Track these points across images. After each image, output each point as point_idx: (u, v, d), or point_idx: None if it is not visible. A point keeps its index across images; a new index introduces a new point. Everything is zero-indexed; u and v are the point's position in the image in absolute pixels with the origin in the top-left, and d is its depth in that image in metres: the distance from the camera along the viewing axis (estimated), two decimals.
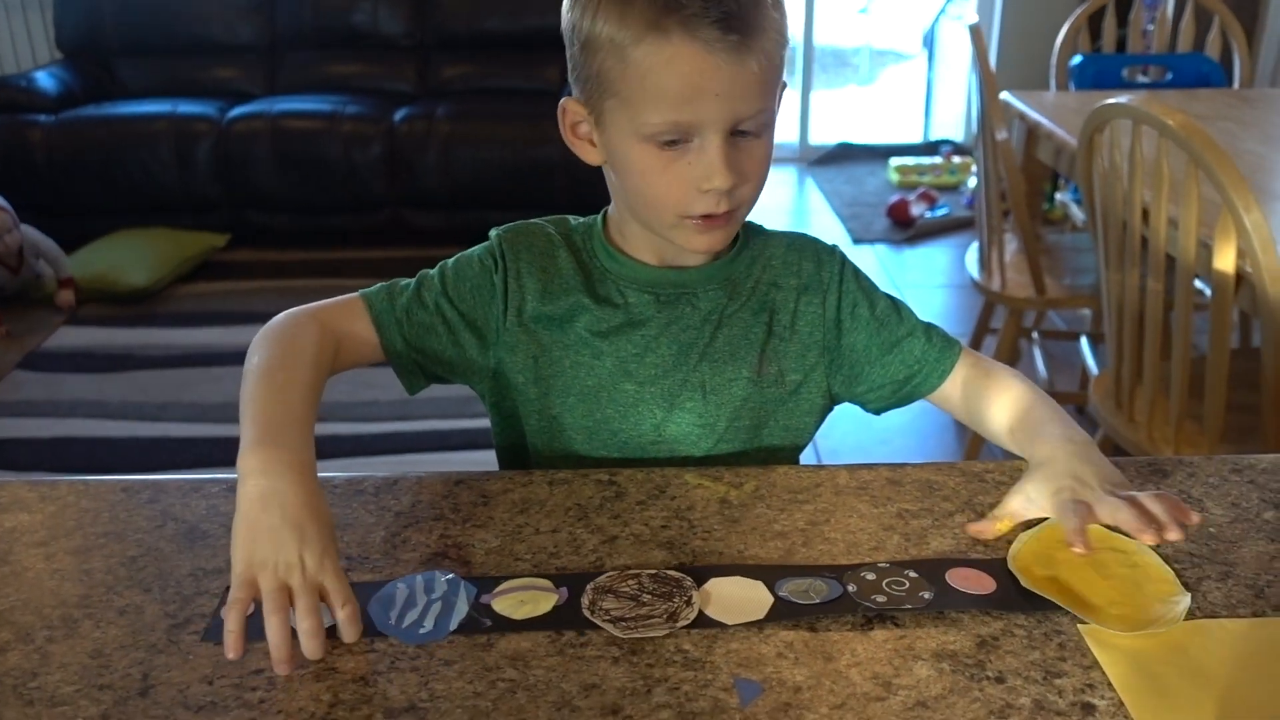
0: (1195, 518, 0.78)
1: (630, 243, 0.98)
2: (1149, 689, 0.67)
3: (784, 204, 4.71)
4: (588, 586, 0.77)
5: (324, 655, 0.70)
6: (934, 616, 0.74)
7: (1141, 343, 1.73)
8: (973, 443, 2.59)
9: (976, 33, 2.45)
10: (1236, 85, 2.91)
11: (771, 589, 0.76)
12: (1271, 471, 0.93)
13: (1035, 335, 3.08)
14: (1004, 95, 2.53)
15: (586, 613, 0.74)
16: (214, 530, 0.85)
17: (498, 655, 0.71)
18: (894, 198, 4.36)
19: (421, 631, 0.74)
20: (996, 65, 4.63)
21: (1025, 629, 0.73)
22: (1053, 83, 2.97)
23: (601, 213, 1.01)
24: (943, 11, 5.61)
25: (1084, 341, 2.87)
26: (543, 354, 0.97)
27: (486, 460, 1.09)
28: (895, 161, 4.80)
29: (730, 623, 0.73)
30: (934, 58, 5.69)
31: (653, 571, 0.79)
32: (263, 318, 0.96)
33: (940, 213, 4.28)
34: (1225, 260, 1.52)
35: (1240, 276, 1.53)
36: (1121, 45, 3.26)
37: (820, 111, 5.32)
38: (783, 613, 0.74)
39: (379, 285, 0.99)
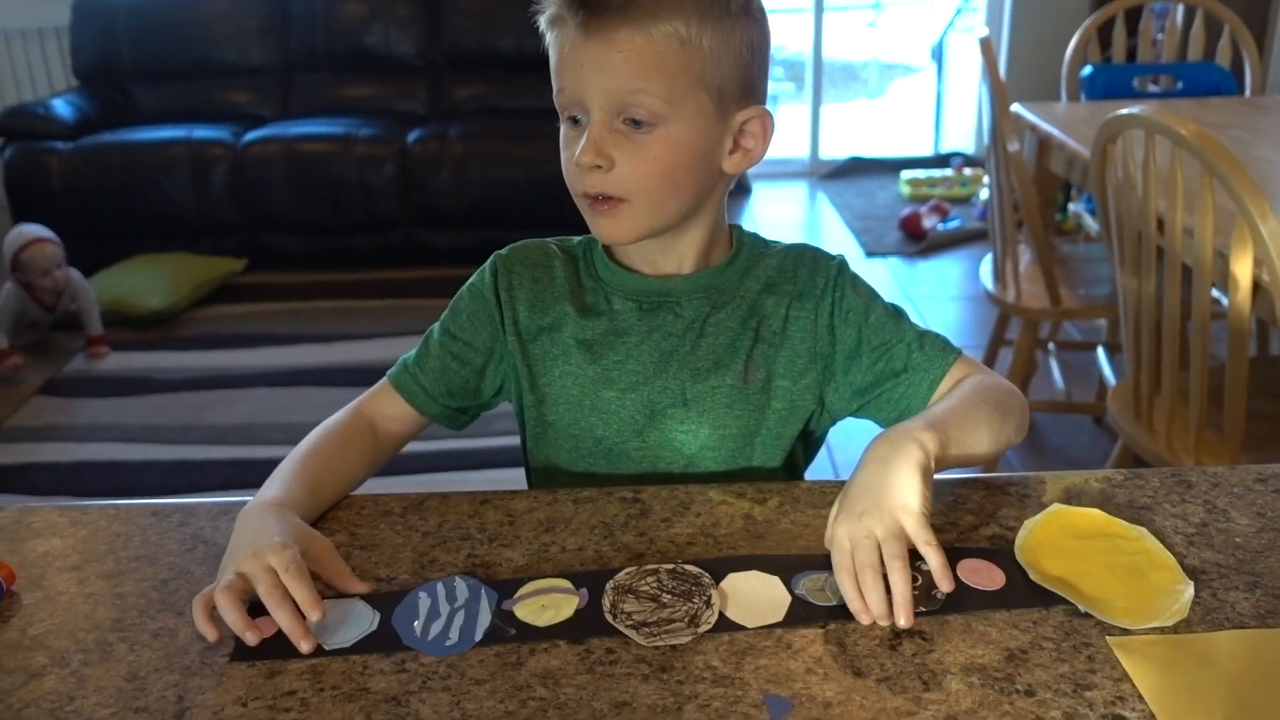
0: (903, 624, 0.74)
1: (626, 252, 1.01)
2: (1180, 700, 0.67)
3: (795, 218, 4.72)
4: (607, 587, 0.78)
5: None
6: (961, 630, 0.74)
7: (1159, 352, 1.73)
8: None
9: (986, 45, 2.46)
10: (1248, 93, 2.91)
11: (788, 586, 0.78)
12: None
13: (1051, 346, 3.07)
14: (1015, 107, 2.53)
15: (609, 617, 0.76)
16: None
17: (528, 674, 0.72)
18: (906, 211, 4.36)
19: (448, 644, 0.74)
20: (1006, 77, 4.63)
21: (1054, 641, 0.73)
22: (1063, 93, 2.98)
23: None
24: (950, 24, 5.63)
25: (1101, 352, 2.86)
26: (536, 363, 1.01)
27: (508, 479, 1.10)
28: (906, 174, 4.81)
29: (750, 625, 0.75)
30: (943, 70, 5.70)
31: (670, 567, 0.80)
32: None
33: (952, 225, 4.28)
34: (1242, 269, 1.52)
35: (1257, 285, 1.53)
36: (1132, 55, 3.26)
37: (830, 125, 5.34)
38: (800, 614, 0.76)
39: (397, 361, 1.06)
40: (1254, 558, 0.82)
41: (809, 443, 1.05)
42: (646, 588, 0.78)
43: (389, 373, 1.05)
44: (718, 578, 0.79)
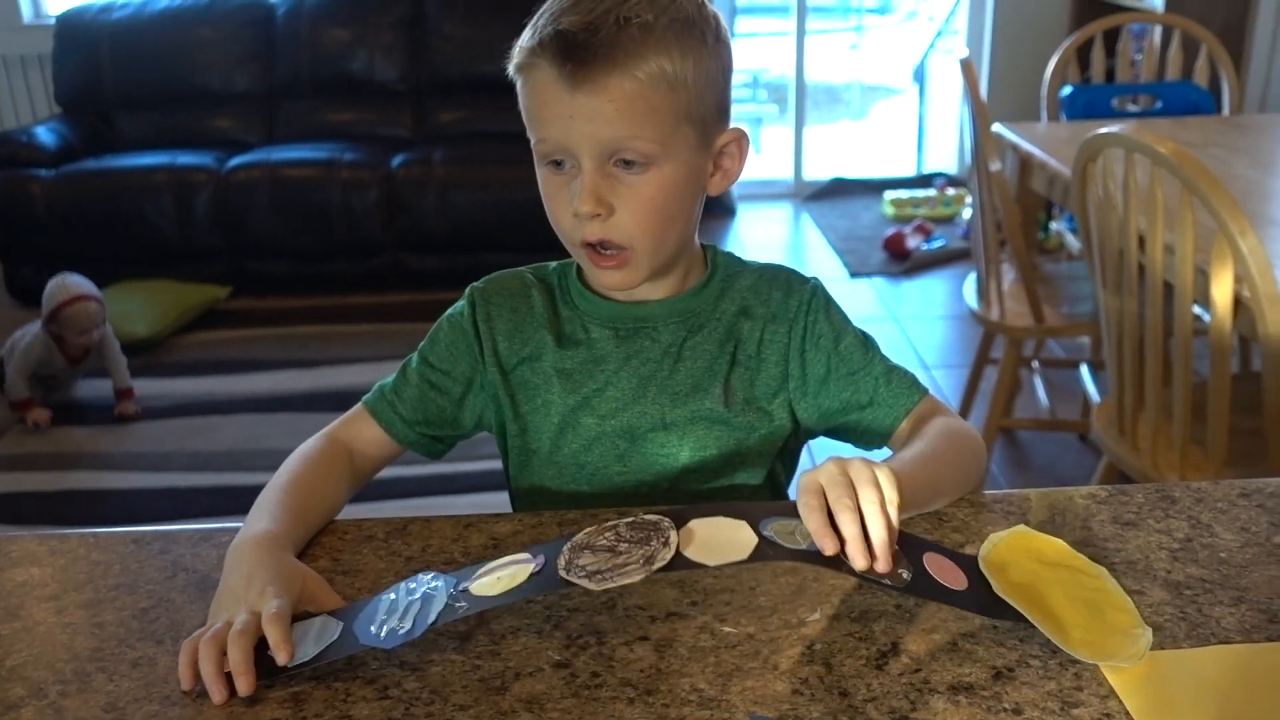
0: (881, 568, 0.70)
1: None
2: (1167, 717, 0.67)
3: (779, 239, 4.74)
4: (564, 547, 0.73)
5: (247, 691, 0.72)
6: (948, 648, 0.74)
7: (1142, 369, 1.73)
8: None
9: (968, 66, 2.47)
10: (1226, 112, 2.94)
11: (756, 529, 0.72)
12: (1279, 495, 0.93)
13: (1035, 364, 3.09)
14: (996, 127, 2.55)
15: (563, 573, 0.70)
16: None
17: (512, 699, 0.71)
18: (889, 231, 4.38)
19: (401, 633, 0.73)
20: (987, 97, 4.67)
21: (1040, 659, 0.73)
22: (1044, 113, 3.00)
23: None
24: (932, 46, 5.68)
25: (1084, 369, 2.87)
26: (517, 392, 1.01)
27: (493, 503, 1.10)
28: (890, 195, 4.83)
29: (711, 564, 0.69)
30: (925, 92, 5.74)
31: (630, 519, 0.74)
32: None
33: (936, 245, 4.30)
34: (1222, 286, 1.53)
35: (1238, 301, 1.54)
36: (1110, 75, 3.29)
37: (814, 147, 5.36)
38: (766, 554, 0.70)
39: (374, 387, 1.05)
40: (1239, 572, 0.82)
41: (788, 460, 1.05)
42: (604, 541, 0.73)
43: (365, 399, 1.04)
44: (680, 525, 0.72)
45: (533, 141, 0.93)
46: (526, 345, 1.01)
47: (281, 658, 0.73)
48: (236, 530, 0.87)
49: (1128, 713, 0.67)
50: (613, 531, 0.73)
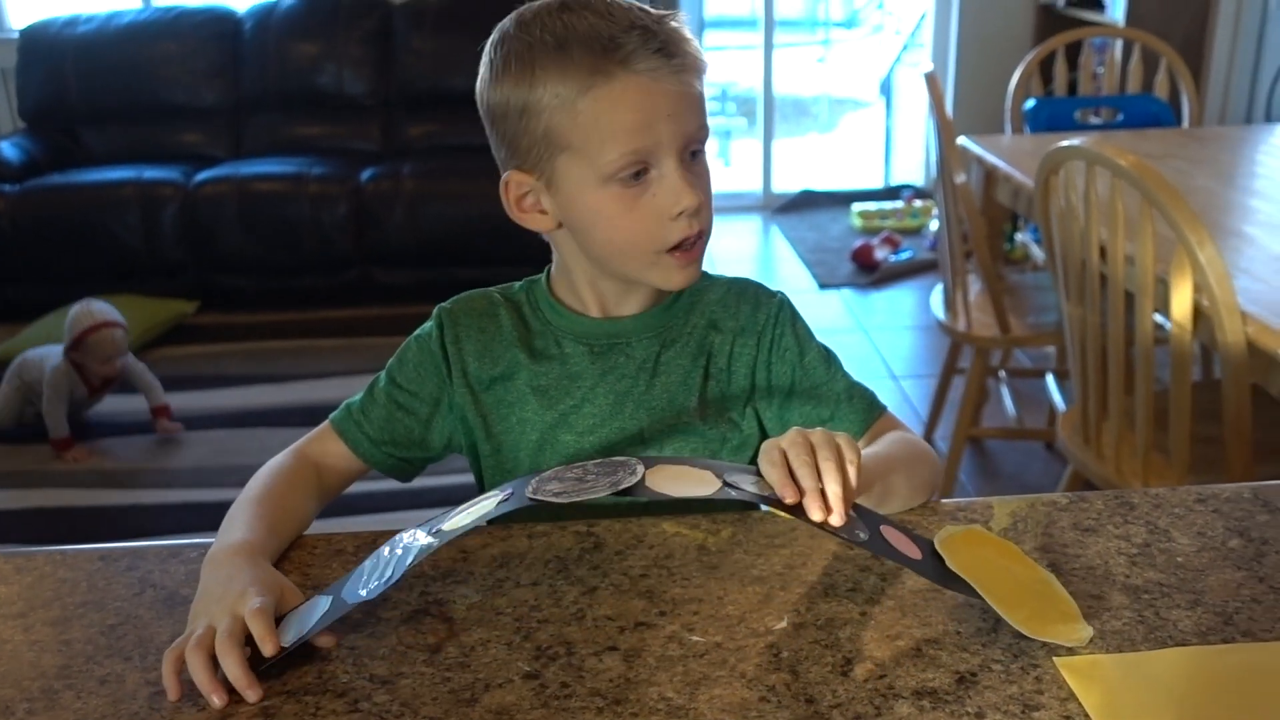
0: (836, 521, 0.73)
1: (574, 296, 1.01)
2: (1125, 717, 0.68)
3: (749, 252, 4.76)
4: (532, 479, 0.75)
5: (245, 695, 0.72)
6: (912, 654, 0.75)
7: (1105, 378, 1.76)
8: (946, 478, 2.61)
9: (932, 80, 2.51)
10: (1186, 124, 2.99)
11: (720, 476, 0.75)
12: (1235, 500, 0.95)
13: (1002, 374, 3.12)
14: (961, 140, 2.58)
15: (530, 495, 0.73)
16: (194, 595, 0.85)
17: (482, 710, 0.71)
18: (858, 243, 4.41)
19: (383, 580, 0.75)
20: (953, 110, 4.72)
21: (1003, 664, 0.74)
22: (1008, 126, 3.04)
23: (545, 270, 1.04)
24: (898, 60, 5.73)
25: (1050, 378, 2.91)
26: (490, 412, 1.01)
27: None
28: (858, 207, 4.87)
29: (673, 494, 0.72)
30: (892, 105, 5.80)
31: (599, 460, 0.77)
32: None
33: (904, 256, 4.34)
34: (1182, 295, 1.55)
35: (1198, 310, 1.56)
36: (1073, 88, 3.33)
37: (782, 160, 5.39)
38: (729, 494, 0.73)
39: (341, 405, 1.05)
40: (1195, 576, 0.84)
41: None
42: (573, 474, 0.75)
43: (332, 416, 1.04)
44: (648, 467, 0.75)
45: (606, 160, 0.88)
46: (498, 364, 1.01)
47: (267, 650, 0.74)
48: (206, 546, 0.87)
49: (1086, 713, 0.68)
50: (581, 468, 0.77)
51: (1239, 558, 0.86)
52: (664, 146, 0.89)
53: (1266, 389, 1.56)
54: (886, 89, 5.88)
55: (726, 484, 0.74)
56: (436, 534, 0.75)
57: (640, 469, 0.74)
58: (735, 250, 4.74)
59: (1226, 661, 0.74)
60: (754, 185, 5.28)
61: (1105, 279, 1.69)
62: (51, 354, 3.03)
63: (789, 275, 4.25)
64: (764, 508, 0.76)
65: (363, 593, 0.75)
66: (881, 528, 0.78)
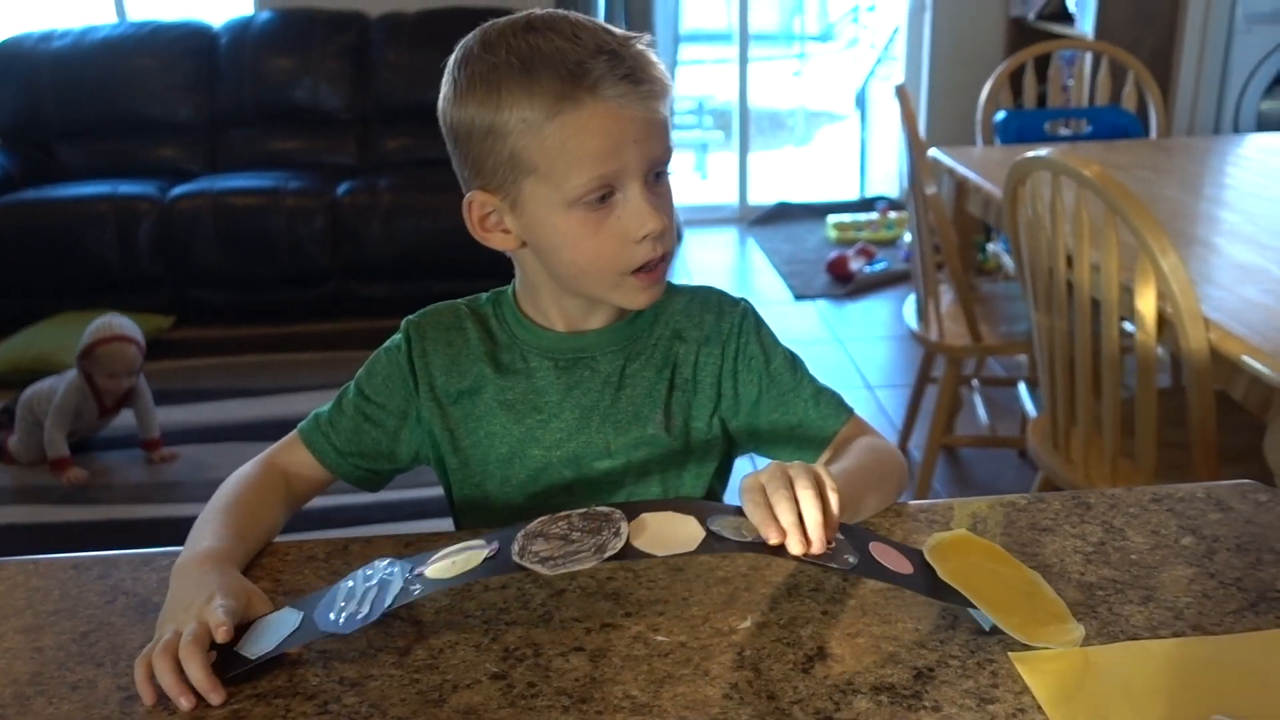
0: (816, 549, 0.73)
1: (538, 311, 1.02)
2: (1076, 709, 0.70)
3: (725, 264, 4.79)
4: (517, 535, 0.75)
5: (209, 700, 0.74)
6: (871, 650, 0.77)
7: (1074, 385, 1.78)
8: (921, 486, 2.63)
9: (903, 93, 2.54)
10: (1153, 135, 3.03)
11: (704, 524, 0.74)
12: (1188, 500, 0.97)
13: (975, 383, 3.15)
14: (932, 152, 2.61)
15: (516, 559, 0.72)
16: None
17: (450, 710, 0.72)
18: (833, 254, 4.45)
19: (359, 618, 0.75)
20: (925, 122, 4.77)
21: (960, 659, 0.76)
22: (979, 138, 3.07)
23: (510, 285, 1.05)
24: (872, 73, 5.78)
25: (1022, 386, 2.93)
26: (458, 426, 1.02)
27: (438, 530, 1.11)
28: (833, 219, 4.90)
29: (660, 554, 0.72)
30: (866, 117, 5.84)
31: (582, 511, 0.76)
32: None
33: (879, 267, 4.37)
34: (1146, 303, 1.58)
35: (1162, 317, 1.59)
36: (1043, 100, 3.38)
37: (758, 172, 5.43)
38: (713, 546, 0.73)
39: (310, 415, 1.05)
40: (1147, 573, 0.86)
41: (722, 474, 1.08)
42: (557, 530, 0.75)
43: (300, 426, 1.04)
44: (631, 518, 0.75)
45: (572, 184, 0.89)
46: (465, 378, 1.01)
47: (220, 636, 0.75)
48: (177, 554, 0.88)
49: (1039, 706, 0.70)
50: (565, 521, 0.76)
51: (1191, 555, 0.88)
52: (630, 171, 0.89)
53: (1230, 394, 1.58)
54: (861, 102, 5.93)
55: (710, 532, 0.73)
56: (418, 577, 0.75)
57: (624, 527, 0.73)
58: (711, 262, 4.76)
59: (1178, 655, 0.75)
60: (730, 198, 5.32)
61: (1072, 287, 1.71)
62: (60, 383, 2.97)
63: (765, 286, 4.28)
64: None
65: (336, 620, 0.76)
66: (871, 545, 0.78)
